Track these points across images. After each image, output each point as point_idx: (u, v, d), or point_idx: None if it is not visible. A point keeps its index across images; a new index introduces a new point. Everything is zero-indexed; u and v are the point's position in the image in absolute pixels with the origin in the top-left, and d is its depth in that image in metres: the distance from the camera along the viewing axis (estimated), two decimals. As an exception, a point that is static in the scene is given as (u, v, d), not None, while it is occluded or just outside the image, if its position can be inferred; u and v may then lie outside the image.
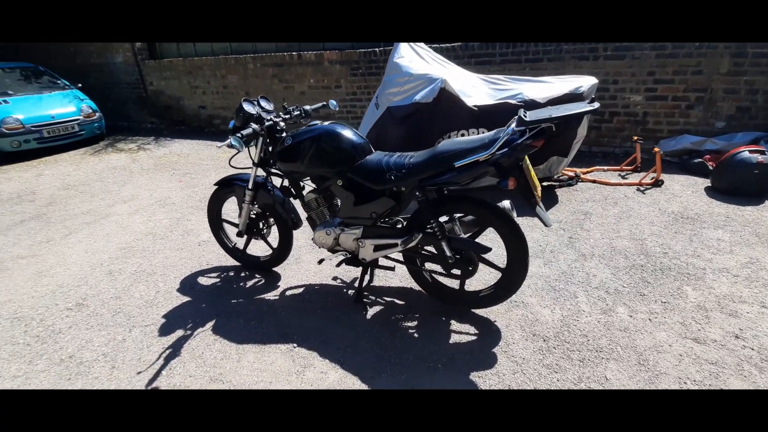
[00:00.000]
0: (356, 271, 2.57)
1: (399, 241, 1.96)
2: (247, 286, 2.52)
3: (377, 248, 2.05)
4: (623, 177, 3.82)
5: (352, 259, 2.20)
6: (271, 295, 2.41)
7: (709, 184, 3.46)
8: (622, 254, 2.57)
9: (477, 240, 1.97)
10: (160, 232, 3.33)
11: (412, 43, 3.63)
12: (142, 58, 7.50)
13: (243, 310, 2.28)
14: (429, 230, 1.94)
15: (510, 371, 1.77)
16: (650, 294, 2.19)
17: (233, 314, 2.26)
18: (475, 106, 3.23)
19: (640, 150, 3.87)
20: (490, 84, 3.40)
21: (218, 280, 2.61)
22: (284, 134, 2.14)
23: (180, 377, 1.84)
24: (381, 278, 2.48)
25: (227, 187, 2.47)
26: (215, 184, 2.50)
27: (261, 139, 2.16)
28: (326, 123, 2.05)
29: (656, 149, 3.57)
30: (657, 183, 3.54)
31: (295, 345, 2.00)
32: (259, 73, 6.27)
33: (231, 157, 2.53)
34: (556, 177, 3.69)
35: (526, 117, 1.58)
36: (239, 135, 1.89)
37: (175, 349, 2.01)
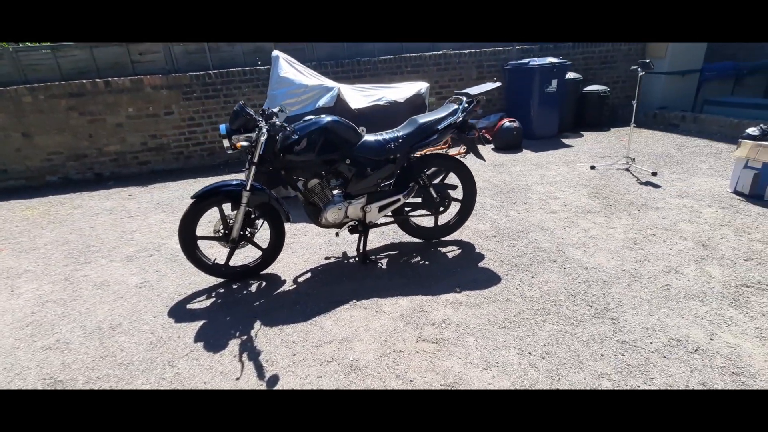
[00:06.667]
0: (340, 247, 2.95)
1: (401, 196, 2.58)
2: (253, 290, 2.50)
3: (382, 208, 2.60)
4: (444, 152, 5.45)
5: (357, 226, 2.64)
6: (286, 288, 2.52)
7: (493, 147, 5.46)
8: (486, 188, 3.96)
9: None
10: (52, 298, 2.58)
11: (286, 58, 4.07)
12: None
13: (274, 306, 2.34)
14: (419, 182, 2.64)
15: (494, 254, 2.71)
16: (513, 200, 3.60)
17: (268, 311, 2.29)
18: (355, 109, 4.03)
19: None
20: (360, 91, 4.27)
21: (214, 299, 2.44)
22: (280, 133, 2.35)
23: (286, 360, 1.89)
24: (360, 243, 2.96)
25: (210, 197, 2.38)
26: (193, 197, 2.35)
27: (263, 138, 2.29)
28: (323, 116, 2.43)
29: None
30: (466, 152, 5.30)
31: (355, 301, 2.31)
32: (45, 107, 4.98)
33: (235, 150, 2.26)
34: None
35: (472, 93, 2.55)
36: (273, 123, 2.11)
37: (250, 351, 1.96)
